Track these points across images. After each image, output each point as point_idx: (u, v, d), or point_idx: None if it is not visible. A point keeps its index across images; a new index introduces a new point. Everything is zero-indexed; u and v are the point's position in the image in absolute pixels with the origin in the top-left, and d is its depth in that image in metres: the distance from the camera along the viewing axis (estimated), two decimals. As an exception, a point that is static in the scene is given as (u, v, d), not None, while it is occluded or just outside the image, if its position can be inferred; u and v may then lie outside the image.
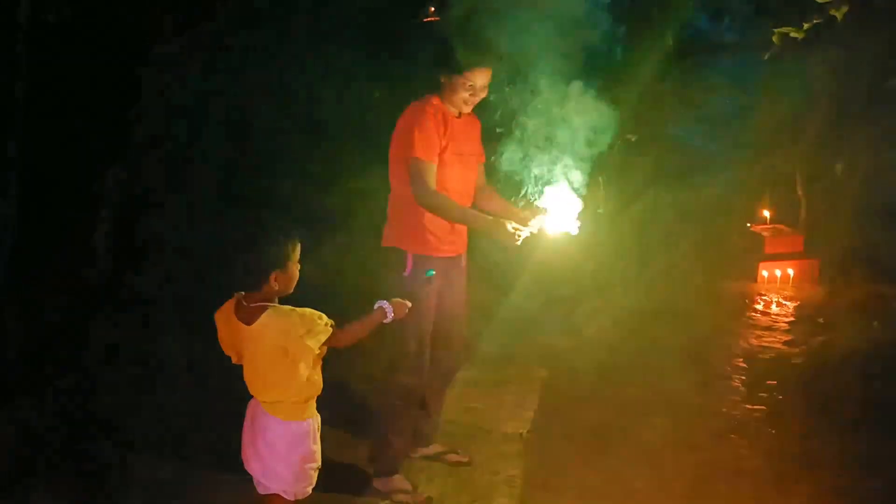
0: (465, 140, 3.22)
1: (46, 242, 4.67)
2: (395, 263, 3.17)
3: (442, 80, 3.13)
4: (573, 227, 3.12)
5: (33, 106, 4.53)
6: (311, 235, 2.70)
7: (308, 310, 2.45)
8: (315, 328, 2.42)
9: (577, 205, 3.11)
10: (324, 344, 2.47)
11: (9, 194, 4.50)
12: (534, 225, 3.07)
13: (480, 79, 3.09)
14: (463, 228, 3.26)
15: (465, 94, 3.11)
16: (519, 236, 3.02)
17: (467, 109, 3.19)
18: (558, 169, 3.11)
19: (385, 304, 2.69)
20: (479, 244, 3.69)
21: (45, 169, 4.66)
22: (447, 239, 3.20)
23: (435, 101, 3.15)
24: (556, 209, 3.12)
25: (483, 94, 3.15)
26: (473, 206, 3.27)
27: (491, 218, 3.08)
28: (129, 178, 4.98)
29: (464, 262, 3.37)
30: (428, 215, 3.12)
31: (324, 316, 2.46)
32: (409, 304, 2.75)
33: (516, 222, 3.05)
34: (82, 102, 4.78)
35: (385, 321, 2.69)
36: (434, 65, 3.13)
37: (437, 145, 3.09)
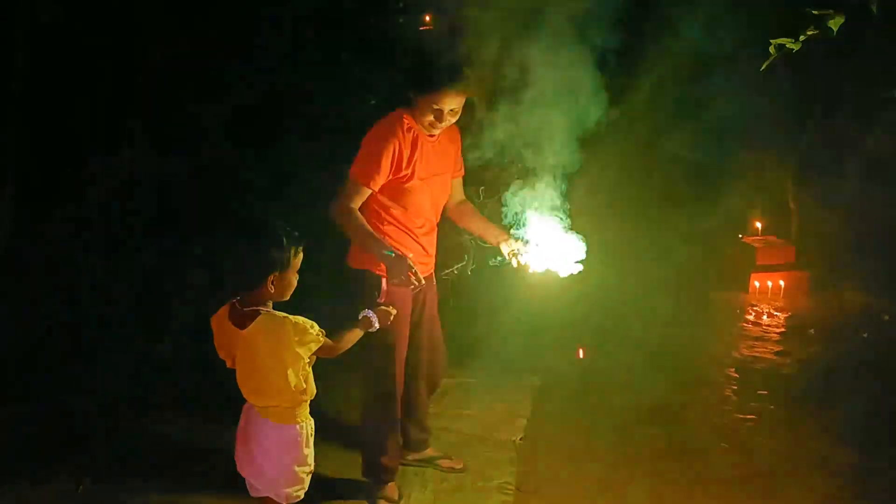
0: (438, 159, 3.06)
1: (42, 239, 4.66)
2: (368, 289, 2.98)
3: (411, 97, 2.93)
4: (563, 268, 3.00)
5: (29, 105, 4.52)
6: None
7: (301, 318, 2.43)
8: (306, 337, 2.41)
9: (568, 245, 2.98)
10: (314, 353, 2.46)
11: (5, 192, 4.49)
12: (516, 254, 3.02)
13: (448, 102, 2.86)
14: (433, 250, 3.19)
15: (430, 118, 2.90)
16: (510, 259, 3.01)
17: (435, 132, 2.99)
18: (543, 199, 3.02)
19: (370, 313, 2.70)
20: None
21: (40, 166, 4.65)
22: (420, 260, 3.06)
23: (406, 119, 2.95)
24: (543, 243, 3.00)
25: (453, 119, 2.94)
26: (447, 220, 3.19)
27: (394, 256, 2.79)
28: (124, 174, 4.97)
29: (433, 280, 3.33)
30: (401, 238, 3.04)
31: (315, 325, 2.44)
32: (395, 312, 2.75)
33: (494, 242, 3.01)
34: (77, 101, 4.77)
35: (371, 330, 2.70)
36: (403, 80, 2.94)
37: (383, 175, 2.91)
